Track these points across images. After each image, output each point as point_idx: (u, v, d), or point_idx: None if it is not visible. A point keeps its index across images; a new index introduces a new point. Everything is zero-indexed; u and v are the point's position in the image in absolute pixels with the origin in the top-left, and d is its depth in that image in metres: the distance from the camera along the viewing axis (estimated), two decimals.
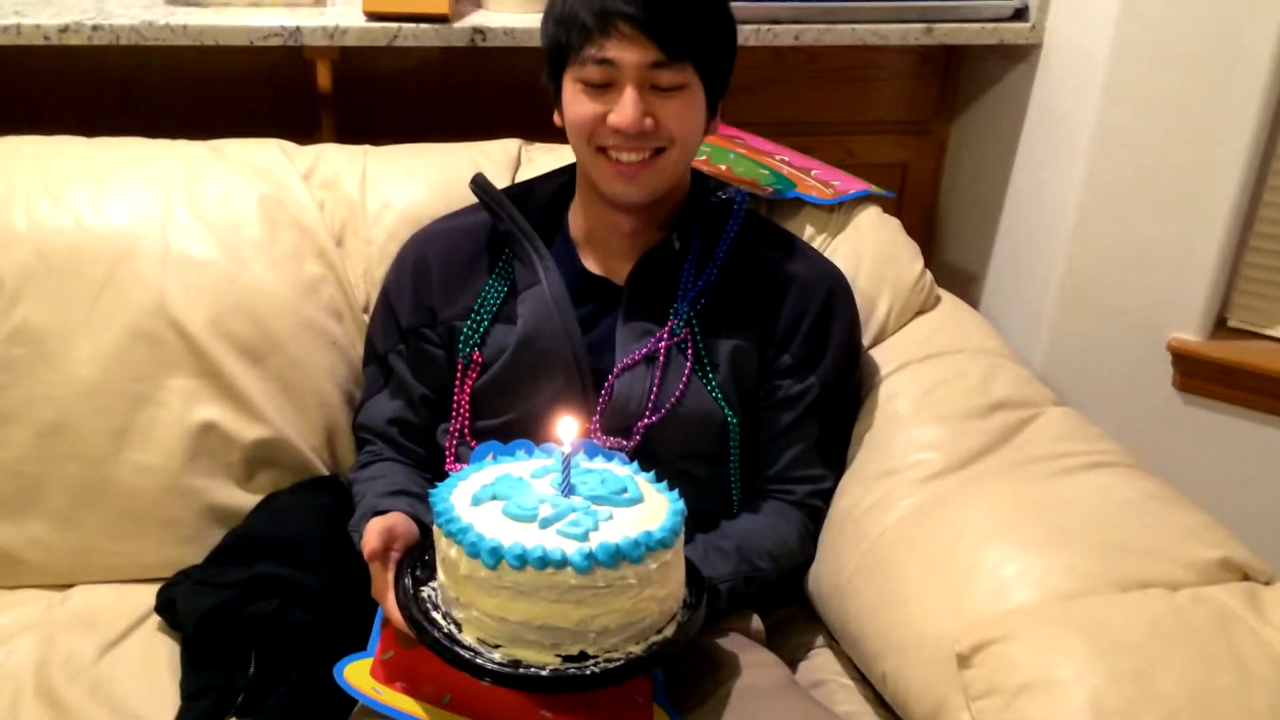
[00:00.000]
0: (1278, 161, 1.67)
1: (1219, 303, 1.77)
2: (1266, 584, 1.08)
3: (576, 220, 1.31)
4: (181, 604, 1.25)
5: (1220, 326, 1.79)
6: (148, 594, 1.31)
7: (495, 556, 0.92)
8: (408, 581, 1.05)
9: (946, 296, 1.56)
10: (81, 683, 1.20)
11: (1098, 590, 1.05)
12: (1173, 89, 1.66)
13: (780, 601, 1.34)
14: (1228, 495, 1.58)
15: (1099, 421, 1.36)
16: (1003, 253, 2.00)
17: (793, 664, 1.28)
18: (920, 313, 1.50)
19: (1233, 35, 1.60)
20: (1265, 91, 1.61)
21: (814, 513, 1.31)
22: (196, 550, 1.33)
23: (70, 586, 1.35)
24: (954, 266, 2.11)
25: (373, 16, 1.64)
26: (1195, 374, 1.78)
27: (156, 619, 1.30)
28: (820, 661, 1.29)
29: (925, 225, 2.13)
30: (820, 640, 1.32)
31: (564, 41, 1.17)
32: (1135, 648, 0.97)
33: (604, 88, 1.16)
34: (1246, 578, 1.08)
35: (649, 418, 1.22)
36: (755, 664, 1.15)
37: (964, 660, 1.02)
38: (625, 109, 1.14)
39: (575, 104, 1.18)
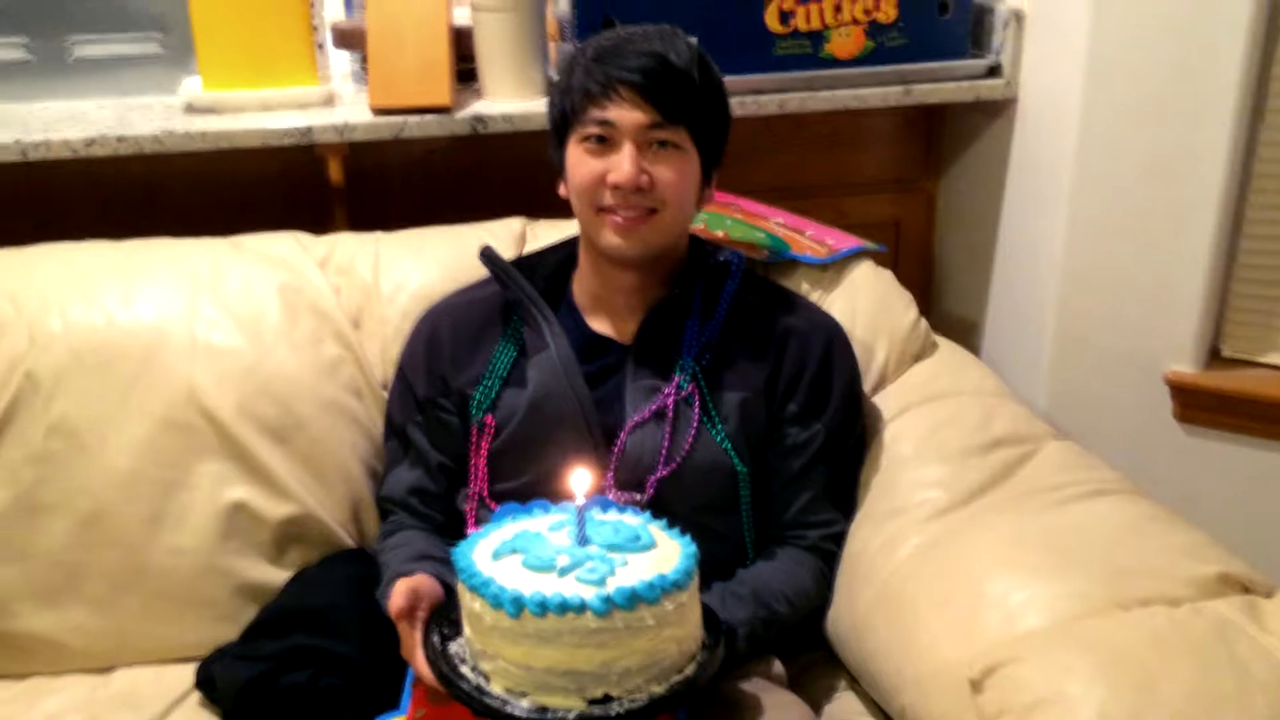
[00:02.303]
0: (1254, 195, 1.71)
1: (1211, 334, 1.80)
2: (1267, 596, 1.10)
3: (580, 286, 1.37)
4: (220, 678, 1.29)
5: (1215, 357, 1.81)
6: (187, 673, 1.35)
7: (517, 606, 0.96)
8: (435, 639, 1.09)
9: (943, 342, 1.61)
10: None
11: (1102, 611, 1.08)
12: (1146, 132, 1.70)
13: (803, 648, 1.36)
14: (1233, 521, 1.60)
15: (1104, 456, 1.39)
16: (999, 300, 2.05)
17: (818, 708, 1.29)
18: (918, 359, 1.55)
19: (1200, 76, 1.64)
20: (1234, 127, 1.65)
21: (828, 556, 1.34)
22: (232, 628, 1.37)
23: (112, 669, 1.39)
24: (954, 316, 2.15)
25: (379, 111, 1.71)
26: (1194, 404, 1.81)
27: (197, 696, 1.33)
28: (845, 704, 1.31)
29: (923, 278, 2.17)
30: (844, 683, 1.34)
31: (569, 108, 1.26)
32: (1138, 661, 1.00)
33: (605, 147, 1.24)
34: (1247, 591, 1.11)
35: (661, 471, 1.27)
36: (777, 705, 1.18)
37: (976, 685, 1.05)
38: (623, 165, 1.22)
39: (578, 166, 1.26)
